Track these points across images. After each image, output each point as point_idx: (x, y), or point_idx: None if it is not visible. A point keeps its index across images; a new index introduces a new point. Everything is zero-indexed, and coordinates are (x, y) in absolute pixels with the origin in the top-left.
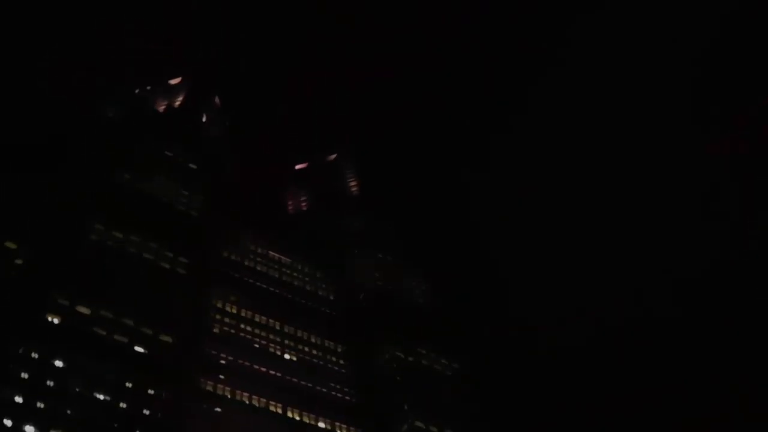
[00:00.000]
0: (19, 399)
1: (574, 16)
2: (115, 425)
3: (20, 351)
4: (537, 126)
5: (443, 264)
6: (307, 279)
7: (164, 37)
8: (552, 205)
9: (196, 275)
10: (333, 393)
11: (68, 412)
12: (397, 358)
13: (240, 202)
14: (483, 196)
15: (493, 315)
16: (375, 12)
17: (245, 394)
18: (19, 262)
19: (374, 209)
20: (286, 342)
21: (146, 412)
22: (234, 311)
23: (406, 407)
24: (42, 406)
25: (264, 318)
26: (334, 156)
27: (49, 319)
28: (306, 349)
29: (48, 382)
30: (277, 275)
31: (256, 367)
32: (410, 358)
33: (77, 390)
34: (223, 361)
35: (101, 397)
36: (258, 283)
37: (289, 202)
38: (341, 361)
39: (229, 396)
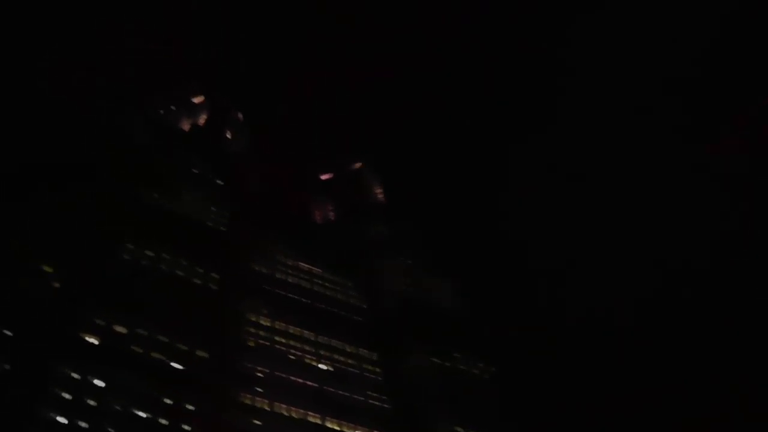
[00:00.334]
0: (62, 420)
1: (574, 16)
2: None
3: (60, 372)
4: (540, 127)
5: (473, 266)
6: (338, 288)
7: (164, 37)
8: (566, 203)
9: (228, 290)
10: (370, 401)
11: (110, 430)
12: (432, 364)
13: (267, 215)
14: (507, 196)
15: (526, 316)
16: (375, 12)
17: (283, 405)
18: (56, 285)
19: (400, 215)
20: (321, 352)
21: (186, 427)
22: (267, 324)
23: (444, 413)
24: (85, 425)
25: (298, 329)
26: (359, 164)
27: (87, 339)
28: (341, 358)
29: (89, 402)
30: (308, 286)
31: (293, 378)
32: (446, 363)
33: (117, 408)
34: (259, 374)
35: (141, 414)
36: (290, 295)
37: (317, 212)
38: (377, 369)
39: (267, 408)
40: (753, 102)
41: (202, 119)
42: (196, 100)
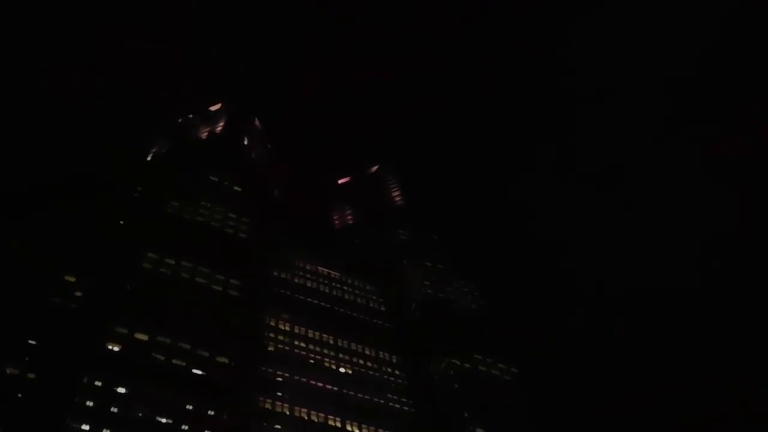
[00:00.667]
0: (86, 427)
1: (574, 16)
2: None
3: (84, 380)
4: (545, 128)
5: (493, 268)
6: (357, 292)
7: (164, 37)
8: (574, 204)
9: (248, 296)
10: (390, 404)
11: None
12: (453, 366)
13: (285, 220)
14: (521, 194)
15: (546, 316)
16: (375, 12)
17: (303, 410)
18: (78, 294)
19: (419, 218)
20: (341, 356)
21: None
22: (287, 329)
23: (466, 414)
24: None
25: (317, 333)
26: (376, 167)
27: (110, 347)
28: (361, 361)
29: (112, 409)
30: (327, 290)
31: (313, 382)
32: (467, 365)
33: (140, 415)
34: (279, 379)
35: (164, 420)
36: (309, 299)
37: (335, 217)
38: (397, 372)
39: (287, 413)
40: (753, 102)
41: (219, 127)
42: (213, 108)
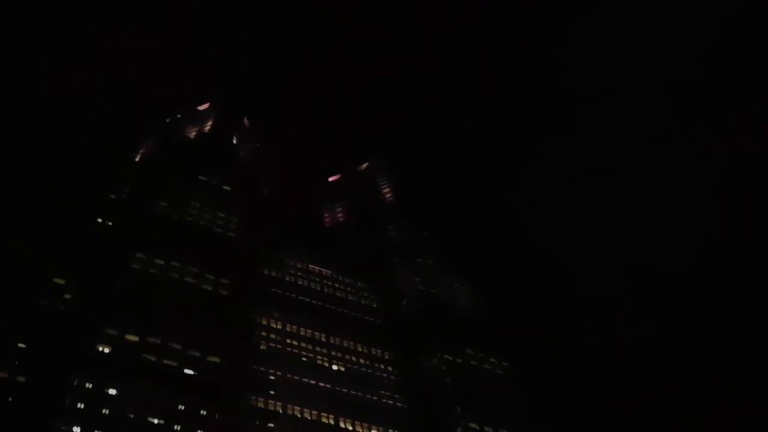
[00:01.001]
0: (77, 429)
1: (574, 16)
2: None
3: (75, 382)
4: (544, 127)
5: (483, 263)
6: (348, 289)
7: (164, 37)
8: (573, 203)
9: (238, 295)
10: (384, 400)
11: None
12: (445, 361)
13: (275, 219)
14: (518, 192)
15: (538, 311)
16: (375, 12)
17: (296, 408)
18: (68, 296)
19: (410, 215)
20: (333, 353)
21: None
22: (279, 327)
23: (458, 409)
24: None
25: (309, 331)
26: (365, 165)
27: (100, 349)
28: (353, 358)
29: (104, 411)
30: (318, 288)
31: (306, 380)
32: (458, 360)
33: (132, 416)
34: (272, 377)
35: (156, 421)
36: (300, 297)
37: (326, 215)
38: (390, 368)
39: (280, 411)
40: (753, 102)
41: (207, 126)
42: (201, 107)
